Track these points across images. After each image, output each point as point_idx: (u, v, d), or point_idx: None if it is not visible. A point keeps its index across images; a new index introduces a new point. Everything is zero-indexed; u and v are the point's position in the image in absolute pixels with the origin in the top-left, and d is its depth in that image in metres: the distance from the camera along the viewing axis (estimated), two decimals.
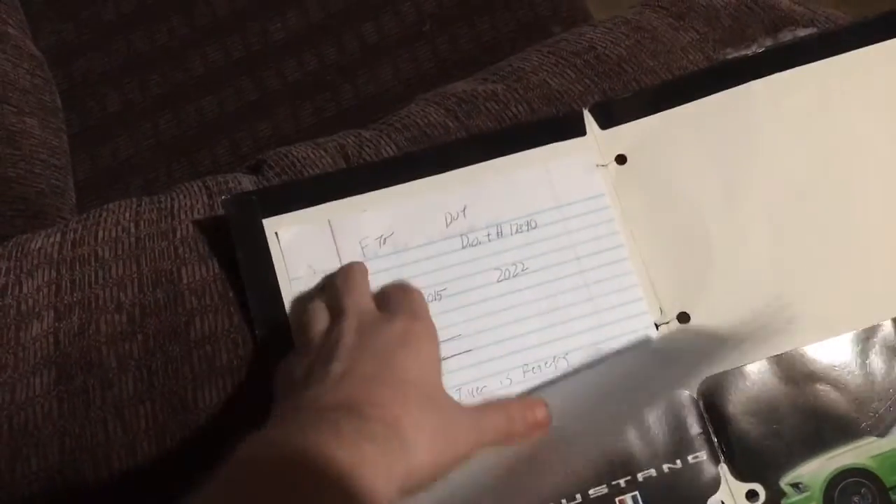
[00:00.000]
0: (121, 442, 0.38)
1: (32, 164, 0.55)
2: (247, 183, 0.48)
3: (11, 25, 0.59)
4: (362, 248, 0.42)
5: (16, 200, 0.53)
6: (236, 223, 0.41)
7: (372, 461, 0.29)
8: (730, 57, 0.48)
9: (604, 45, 0.50)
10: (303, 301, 0.39)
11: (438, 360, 0.36)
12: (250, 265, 0.41)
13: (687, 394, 0.41)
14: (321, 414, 0.31)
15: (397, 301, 0.37)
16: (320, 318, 0.37)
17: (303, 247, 0.41)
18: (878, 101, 0.45)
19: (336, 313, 0.36)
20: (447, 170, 0.44)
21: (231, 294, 0.41)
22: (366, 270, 0.40)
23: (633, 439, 0.40)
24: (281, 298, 0.40)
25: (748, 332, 0.41)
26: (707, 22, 0.50)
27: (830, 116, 0.45)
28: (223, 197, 0.43)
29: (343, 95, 0.64)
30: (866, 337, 0.42)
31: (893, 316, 0.42)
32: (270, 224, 0.41)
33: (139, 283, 0.41)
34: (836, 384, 0.41)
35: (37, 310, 0.41)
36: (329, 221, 0.42)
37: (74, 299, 0.41)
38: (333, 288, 0.38)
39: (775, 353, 0.41)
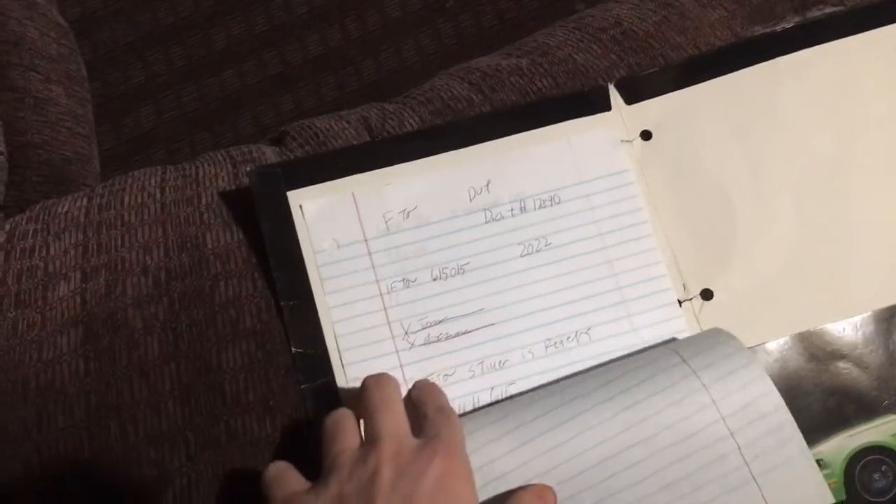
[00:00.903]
0: (146, 401, 0.38)
1: (58, 131, 0.56)
2: (270, 154, 0.49)
3: None
4: (386, 221, 0.42)
5: (41, 166, 0.54)
6: (260, 195, 0.42)
7: None
8: (757, 34, 0.47)
9: (630, 20, 0.49)
10: (331, 407, 0.36)
11: (474, 492, 0.34)
12: (275, 237, 0.41)
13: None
14: None
15: (435, 427, 0.34)
16: (351, 432, 0.35)
17: (327, 219, 0.41)
18: None
19: (371, 434, 0.34)
20: (471, 144, 0.44)
21: (254, 260, 0.41)
22: (398, 385, 0.36)
23: None
24: (305, 270, 0.40)
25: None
26: (736, 0, 0.49)
27: (856, 93, 0.44)
28: (247, 168, 0.43)
29: (365, 70, 0.64)
30: (889, 315, 0.42)
31: None
32: (294, 196, 0.42)
33: (165, 247, 0.42)
34: (858, 362, 0.41)
35: (64, 271, 0.41)
36: (353, 194, 0.42)
37: (101, 261, 0.41)
38: (368, 403, 0.35)
39: (798, 330, 0.41)
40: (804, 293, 0.42)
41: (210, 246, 0.42)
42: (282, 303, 0.40)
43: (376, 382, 0.36)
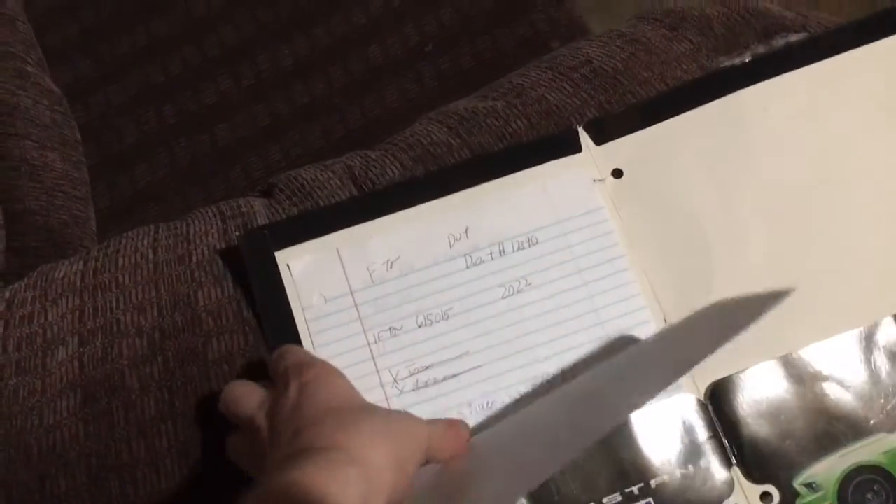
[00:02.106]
0: (145, 461, 0.39)
1: (54, 196, 0.57)
2: (259, 206, 0.50)
3: (30, 64, 0.61)
4: (370, 273, 0.43)
5: (39, 231, 0.55)
6: (250, 258, 0.43)
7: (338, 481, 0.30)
8: (723, 66, 0.49)
9: (600, 58, 0.51)
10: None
11: (349, 383, 0.37)
12: (265, 297, 0.42)
13: (694, 398, 0.41)
14: (280, 465, 0.32)
15: (281, 374, 0.37)
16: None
17: (313, 276, 0.43)
18: (866, 102, 0.46)
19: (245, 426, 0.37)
20: (449, 193, 0.45)
21: (245, 314, 0.42)
22: (244, 383, 0.39)
23: (644, 446, 0.41)
24: (295, 326, 0.42)
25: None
26: (700, 32, 0.51)
27: (820, 119, 0.46)
28: (237, 233, 0.45)
29: (350, 117, 0.66)
30: (869, 335, 0.43)
31: (893, 313, 0.43)
32: (282, 256, 0.43)
33: (158, 307, 0.43)
34: (842, 382, 0.42)
35: (62, 336, 0.42)
36: (337, 250, 0.44)
37: (97, 325, 0.43)
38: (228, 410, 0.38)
39: (780, 354, 0.42)
40: (783, 318, 0.42)
41: (202, 303, 0.43)
42: None
43: (227, 394, 0.38)
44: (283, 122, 0.66)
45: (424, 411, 0.41)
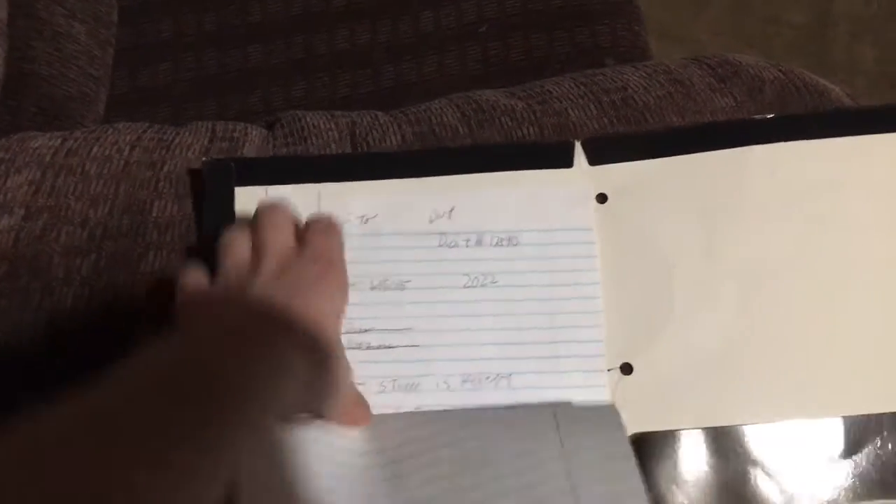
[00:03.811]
0: (44, 351, 0.38)
1: (68, 67, 0.57)
2: (254, 136, 0.49)
3: None
4: (343, 222, 0.42)
5: (42, 98, 0.55)
6: (209, 185, 0.42)
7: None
8: (736, 119, 0.46)
9: (636, 88, 0.48)
10: (228, 229, 0.39)
11: (342, 310, 0.38)
12: (211, 226, 0.41)
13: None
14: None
15: (318, 246, 0.37)
16: (242, 248, 0.37)
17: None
18: (874, 190, 0.43)
19: (258, 248, 0.37)
20: (441, 174, 0.43)
21: (192, 238, 0.41)
22: (289, 209, 0.39)
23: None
24: None
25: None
26: (748, 92, 0.48)
27: (823, 197, 0.43)
28: (203, 158, 0.44)
29: (384, 75, 0.64)
30: (813, 430, 0.40)
31: (844, 413, 0.40)
32: (243, 193, 0.42)
33: (112, 204, 0.42)
34: (769, 472, 0.39)
35: (10, 205, 0.42)
36: (319, 192, 0.43)
37: (47, 204, 0.42)
38: (259, 223, 0.38)
39: (713, 425, 0.40)
40: (728, 388, 0.40)
41: (154, 214, 0.42)
42: None
43: (268, 206, 0.38)
44: (316, 61, 0.65)
45: None
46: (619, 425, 0.38)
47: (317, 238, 0.37)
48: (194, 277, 0.36)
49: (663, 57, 0.52)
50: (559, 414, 0.39)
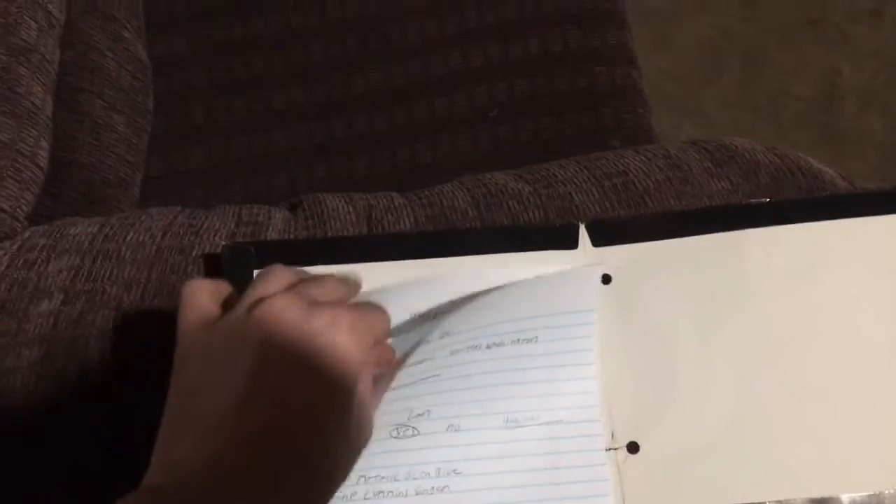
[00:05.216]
0: (76, 431, 0.41)
1: (107, 155, 0.61)
2: (278, 219, 0.52)
3: (128, 30, 0.66)
4: None
5: (81, 185, 0.59)
6: (229, 269, 0.45)
7: None
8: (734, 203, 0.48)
9: (636, 173, 0.51)
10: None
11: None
12: None
13: None
14: None
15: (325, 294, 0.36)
16: (280, 282, 0.36)
17: None
18: (871, 273, 0.44)
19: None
20: (445, 255, 0.46)
21: None
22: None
23: None
24: None
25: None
26: (744, 175, 0.50)
27: (820, 280, 0.44)
28: (223, 243, 0.47)
29: (400, 157, 0.68)
30: None
31: (846, 492, 0.41)
32: None
33: (144, 288, 0.45)
34: None
35: (51, 290, 0.45)
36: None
37: (85, 288, 0.45)
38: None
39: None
40: (732, 466, 0.41)
41: None
42: None
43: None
44: (337, 145, 0.68)
45: None
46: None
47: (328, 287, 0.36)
48: (201, 300, 0.35)
49: (672, 128, 0.55)
50: None
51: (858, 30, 1.17)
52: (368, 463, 0.39)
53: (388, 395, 0.41)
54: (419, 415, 0.41)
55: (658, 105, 0.74)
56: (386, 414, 0.41)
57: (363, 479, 0.40)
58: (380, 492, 0.40)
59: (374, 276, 0.45)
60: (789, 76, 1.15)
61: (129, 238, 0.48)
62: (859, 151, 1.10)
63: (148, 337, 0.44)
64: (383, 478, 0.40)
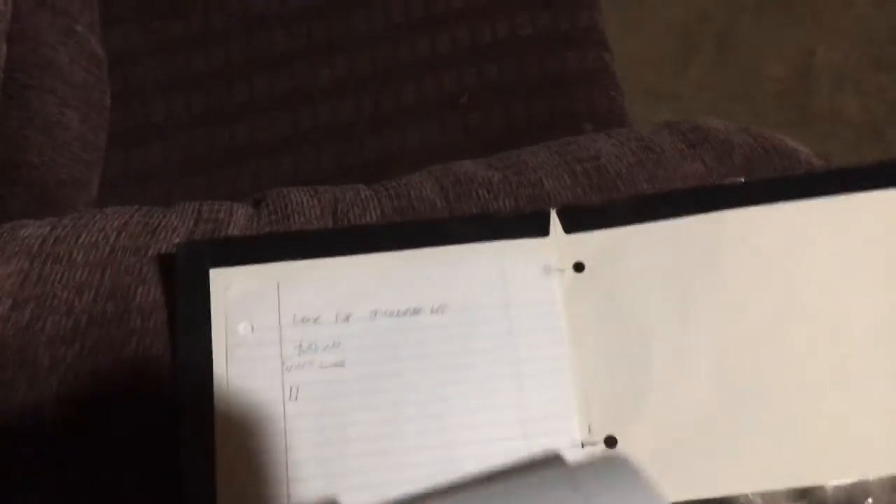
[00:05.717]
0: (29, 438, 0.39)
1: (61, 154, 0.59)
2: (240, 215, 0.50)
3: (80, 24, 0.63)
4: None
5: (34, 185, 0.57)
6: (182, 269, 0.43)
7: None
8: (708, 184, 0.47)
9: (608, 157, 0.49)
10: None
11: None
12: (186, 312, 0.42)
13: None
14: None
15: None
16: None
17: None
18: (851, 252, 0.43)
19: None
20: (408, 248, 0.44)
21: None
22: None
23: None
24: (210, 347, 0.41)
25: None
26: (718, 157, 0.49)
27: (800, 260, 0.43)
28: (177, 241, 0.45)
29: (368, 148, 0.66)
30: (798, 496, 0.39)
31: (828, 480, 0.40)
32: (219, 275, 0.42)
33: (96, 291, 0.43)
34: None
35: None
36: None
37: (34, 293, 0.43)
38: None
39: (701, 497, 0.39)
40: (713, 458, 0.40)
41: (138, 300, 0.43)
42: (178, 377, 0.40)
43: None
44: (303, 137, 0.66)
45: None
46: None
47: None
48: None
49: (647, 113, 0.54)
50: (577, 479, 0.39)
51: (831, 10, 1.17)
52: None
53: None
54: None
55: (632, 90, 0.72)
56: None
57: None
58: None
59: (337, 271, 0.43)
60: (763, 57, 1.14)
61: (81, 239, 0.46)
62: (834, 131, 1.10)
63: (99, 341, 0.41)
64: None
